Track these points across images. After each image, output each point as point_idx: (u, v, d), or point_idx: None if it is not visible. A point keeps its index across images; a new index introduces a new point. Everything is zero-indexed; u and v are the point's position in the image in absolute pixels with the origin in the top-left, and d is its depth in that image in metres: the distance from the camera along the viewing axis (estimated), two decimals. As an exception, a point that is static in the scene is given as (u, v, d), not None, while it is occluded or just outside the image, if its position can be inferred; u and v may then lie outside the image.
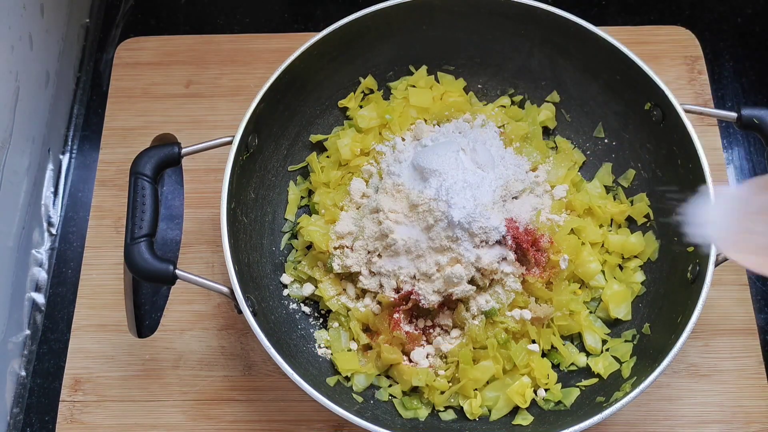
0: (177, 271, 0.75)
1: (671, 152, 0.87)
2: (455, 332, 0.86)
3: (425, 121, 0.97)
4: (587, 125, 0.98)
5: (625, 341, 0.86)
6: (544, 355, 0.87)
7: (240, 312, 0.75)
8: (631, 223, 0.93)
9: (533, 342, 0.86)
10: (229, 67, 1.06)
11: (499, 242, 0.84)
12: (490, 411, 0.83)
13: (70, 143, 1.07)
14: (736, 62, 1.10)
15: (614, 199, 0.94)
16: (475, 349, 0.84)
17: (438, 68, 0.99)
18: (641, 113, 0.90)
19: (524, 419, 0.82)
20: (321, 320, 0.91)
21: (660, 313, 0.85)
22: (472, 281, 0.84)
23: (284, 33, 1.09)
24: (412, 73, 0.98)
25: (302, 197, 0.96)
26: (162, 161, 0.80)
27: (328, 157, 0.96)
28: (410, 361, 0.85)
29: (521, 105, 1.00)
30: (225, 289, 0.76)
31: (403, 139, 0.94)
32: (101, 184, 1.00)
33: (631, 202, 0.93)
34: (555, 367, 0.87)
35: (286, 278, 0.91)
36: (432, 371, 0.84)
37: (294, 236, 0.94)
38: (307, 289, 0.90)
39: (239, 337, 0.90)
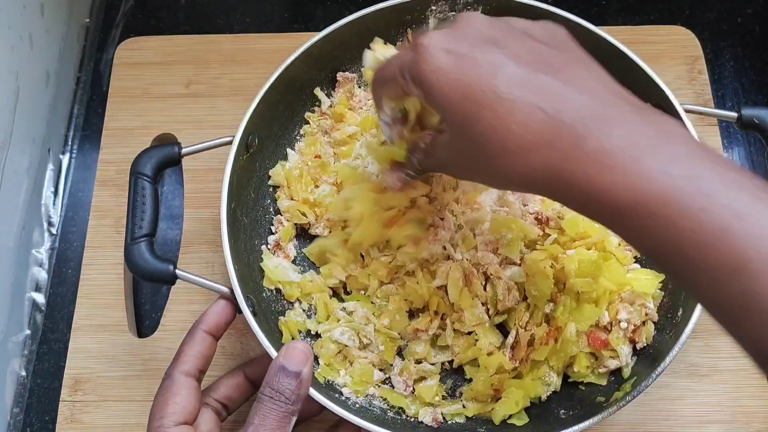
0: (177, 271, 0.75)
1: (671, 152, 0.87)
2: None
3: (425, 121, 0.96)
4: (587, 125, 0.97)
5: (625, 341, 0.86)
6: (544, 355, 0.87)
7: (240, 312, 0.75)
8: (631, 223, 0.93)
9: (533, 342, 0.86)
10: (229, 67, 1.06)
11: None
12: (490, 411, 0.83)
13: (70, 143, 1.07)
14: (736, 62, 1.10)
15: (614, 199, 0.94)
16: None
17: (438, 68, 0.99)
18: (641, 113, 0.90)
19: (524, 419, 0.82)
20: (321, 320, 0.91)
21: (660, 312, 0.85)
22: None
23: (284, 33, 1.09)
24: (412, 73, 0.98)
25: (302, 197, 0.96)
26: (162, 161, 0.80)
27: (328, 157, 0.96)
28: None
29: (521, 105, 0.99)
30: (225, 289, 0.76)
31: (403, 139, 0.94)
32: (101, 184, 1.00)
33: (631, 202, 0.93)
34: (555, 367, 0.87)
35: (286, 278, 0.91)
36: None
37: (294, 236, 0.94)
38: (307, 289, 0.90)
39: (239, 337, 0.90)
